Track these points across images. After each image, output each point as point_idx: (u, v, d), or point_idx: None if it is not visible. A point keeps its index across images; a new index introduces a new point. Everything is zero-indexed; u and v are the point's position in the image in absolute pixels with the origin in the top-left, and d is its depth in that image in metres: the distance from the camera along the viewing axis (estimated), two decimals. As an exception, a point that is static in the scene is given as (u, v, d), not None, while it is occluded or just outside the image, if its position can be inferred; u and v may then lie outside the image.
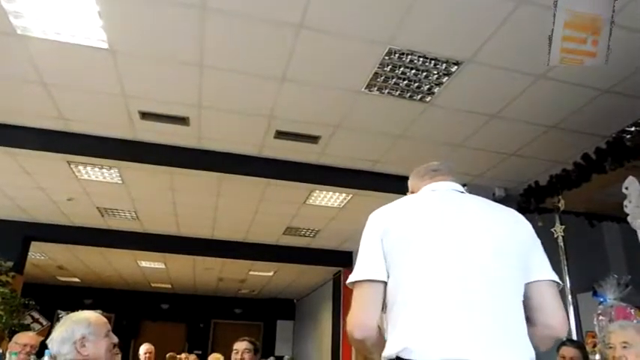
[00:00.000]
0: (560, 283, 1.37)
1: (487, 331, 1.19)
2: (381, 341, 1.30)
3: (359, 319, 1.30)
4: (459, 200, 1.43)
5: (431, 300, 1.23)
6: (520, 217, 1.43)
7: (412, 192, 1.58)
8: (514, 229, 1.38)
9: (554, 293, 1.34)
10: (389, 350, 1.22)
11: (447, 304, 1.22)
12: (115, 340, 1.94)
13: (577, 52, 2.22)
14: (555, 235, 3.84)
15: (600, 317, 3.24)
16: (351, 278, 1.34)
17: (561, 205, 3.88)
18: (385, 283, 1.30)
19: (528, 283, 1.32)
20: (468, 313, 1.21)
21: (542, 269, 1.36)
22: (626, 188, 3.25)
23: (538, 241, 1.41)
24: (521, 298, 1.30)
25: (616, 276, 3.36)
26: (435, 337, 1.18)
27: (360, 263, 1.35)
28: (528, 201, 4.26)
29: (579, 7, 2.15)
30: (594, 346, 3.44)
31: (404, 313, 1.24)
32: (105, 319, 1.96)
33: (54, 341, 1.82)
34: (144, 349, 6.05)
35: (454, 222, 1.33)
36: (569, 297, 3.67)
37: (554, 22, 2.14)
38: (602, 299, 3.34)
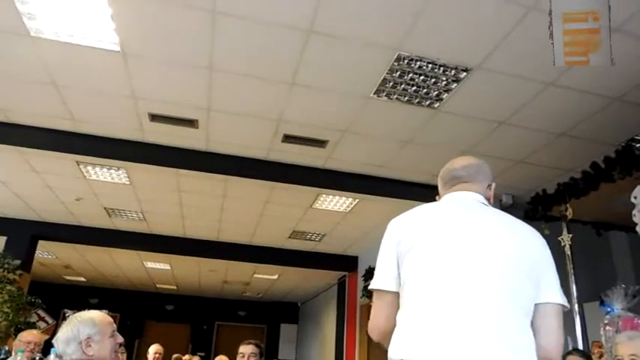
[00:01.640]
0: (567, 306, 1.36)
1: (481, 341, 1.19)
2: None
3: (372, 325, 1.41)
4: (475, 212, 1.43)
5: (428, 309, 1.27)
6: (537, 235, 1.42)
7: (439, 196, 1.59)
8: (528, 245, 1.37)
9: (556, 317, 1.33)
10: (390, 353, 1.29)
11: (443, 314, 1.24)
12: (121, 339, 1.95)
13: (580, 49, 2.22)
14: (562, 244, 3.81)
15: (607, 327, 3.21)
16: (371, 284, 1.44)
17: (569, 213, 3.85)
18: (395, 293, 1.38)
19: (546, 303, 1.33)
20: (464, 323, 1.22)
21: (552, 291, 1.35)
22: (635, 197, 3.23)
23: (552, 261, 1.40)
24: (529, 311, 1.30)
25: (623, 286, 3.33)
26: (426, 345, 1.22)
27: (377, 271, 1.43)
28: (535, 209, 4.24)
29: (575, 8, 2.15)
30: (601, 356, 3.41)
31: (404, 320, 1.31)
32: (110, 319, 1.97)
33: (59, 341, 1.83)
34: (153, 349, 6.06)
35: (464, 234, 1.35)
36: (576, 306, 3.64)
37: (551, 23, 2.14)
38: (609, 309, 3.31)
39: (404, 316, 1.32)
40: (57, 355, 1.86)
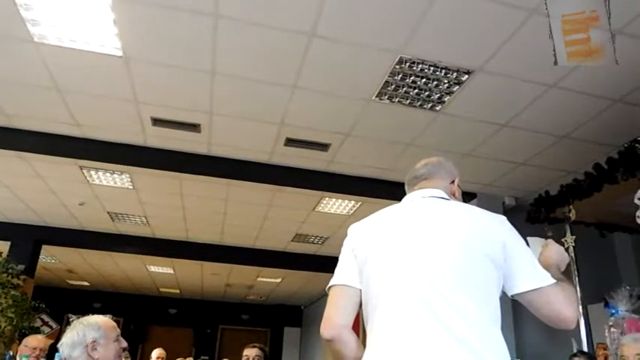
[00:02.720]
0: (551, 281, 1.25)
1: (440, 349, 1.14)
2: (353, 346, 1.31)
3: (326, 319, 1.33)
4: (430, 208, 1.39)
5: (385, 318, 1.24)
6: (500, 221, 1.34)
7: None
8: (489, 232, 1.29)
9: (547, 297, 1.24)
10: None
11: (399, 324, 1.20)
12: (125, 344, 1.98)
13: (581, 48, 2.22)
14: (566, 246, 3.80)
15: (612, 329, 3.20)
16: (330, 282, 1.41)
17: (572, 215, 3.84)
18: (355, 289, 1.35)
19: (521, 293, 1.26)
20: (420, 331, 1.17)
21: (529, 277, 1.26)
22: (639, 199, 3.22)
23: (521, 245, 1.31)
24: (492, 301, 1.23)
25: (628, 287, 3.32)
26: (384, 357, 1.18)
27: (337, 270, 1.41)
28: (538, 210, 4.22)
29: (573, 10, 2.16)
30: (606, 358, 3.40)
31: (369, 329, 1.28)
32: (114, 324, 2.00)
33: (65, 345, 1.85)
34: (156, 353, 6.07)
35: (417, 236, 1.30)
36: (580, 308, 3.63)
37: (550, 26, 2.15)
38: (613, 311, 3.30)
39: (367, 328, 1.29)
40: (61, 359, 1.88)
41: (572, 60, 2.22)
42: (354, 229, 1.47)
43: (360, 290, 1.35)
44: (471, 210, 1.38)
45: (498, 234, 1.30)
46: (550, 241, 1.49)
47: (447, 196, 1.46)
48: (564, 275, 1.37)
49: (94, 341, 1.84)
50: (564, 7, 2.16)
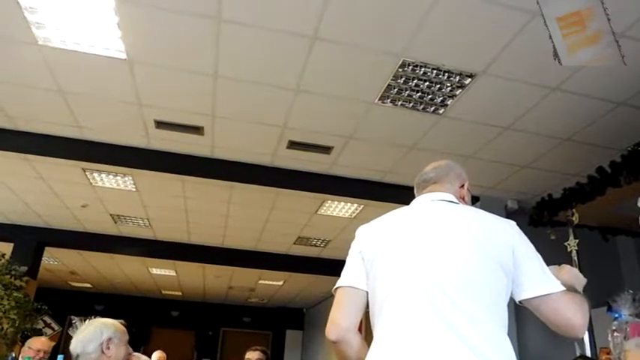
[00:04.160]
0: (561, 288, 1.24)
1: (447, 352, 1.13)
2: (358, 348, 1.32)
3: (331, 320, 1.34)
4: (439, 211, 1.39)
5: (392, 321, 1.24)
6: (509, 226, 1.33)
7: None
8: (497, 236, 1.29)
9: (556, 304, 1.23)
10: None
11: (406, 326, 1.20)
12: (131, 350, 2.09)
13: (582, 53, 2.21)
14: (569, 249, 3.79)
15: (615, 333, 3.19)
16: (337, 283, 1.42)
17: (575, 218, 3.83)
18: (361, 290, 1.36)
19: (529, 299, 1.25)
20: (428, 334, 1.17)
21: (538, 283, 1.25)
22: (642, 202, 3.21)
23: (530, 250, 1.30)
24: (500, 306, 1.23)
25: (631, 291, 3.31)
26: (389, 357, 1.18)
27: (344, 272, 1.43)
28: (541, 214, 4.22)
29: (566, 10, 2.16)
30: (609, 362, 3.39)
31: (375, 330, 1.29)
32: (125, 329, 2.11)
33: (79, 341, 1.93)
34: (156, 356, 6.08)
35: (425, 239, 1.30)
36: (584, 312, 3.62)
37: (548, 29, 2.15)
38: (616, 315, 3.28)
39: (374, 326, 1.30)
40: (76, 356, 1.93)
41: (574, 62, 2.22)
42: (361, 231, 1.47)
43: (367, 292, 1.35)
44: (481, 214, 1.37)
45: (508, 239, 1.29)
46: (564, 265, 1.46)
47: (456, 200, 1.46)
48: None
49: (110, 339, 1.94)
50: (561, 9, 2.15)
